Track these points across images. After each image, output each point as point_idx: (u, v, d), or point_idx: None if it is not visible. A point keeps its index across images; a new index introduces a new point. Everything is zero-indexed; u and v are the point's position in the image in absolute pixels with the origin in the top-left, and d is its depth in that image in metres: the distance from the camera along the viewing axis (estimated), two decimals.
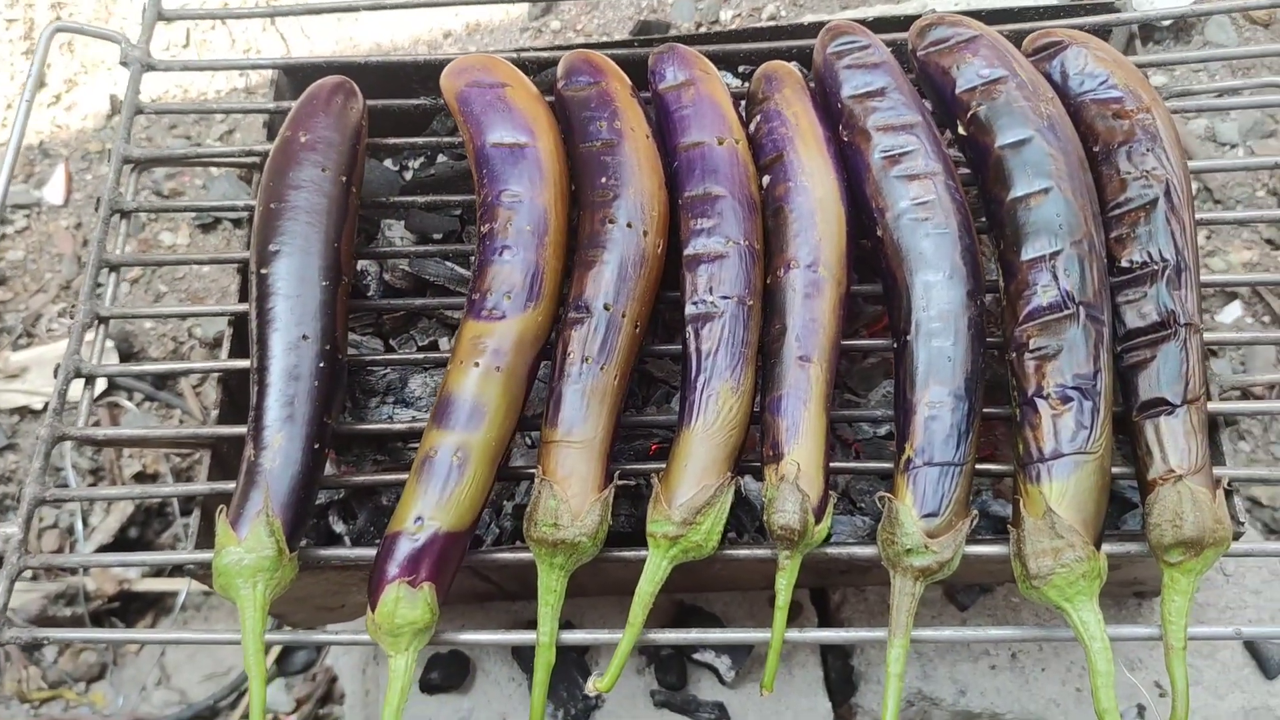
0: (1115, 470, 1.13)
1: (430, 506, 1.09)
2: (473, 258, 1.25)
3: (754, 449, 1.19)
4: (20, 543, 1.24)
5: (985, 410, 1.17)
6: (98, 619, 2.19)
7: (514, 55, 1.49)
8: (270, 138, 1.57)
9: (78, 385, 1.34)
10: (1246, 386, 1.81)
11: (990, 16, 1.40)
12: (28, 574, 1.37)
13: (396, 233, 1.58)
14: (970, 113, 1.25)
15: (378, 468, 1.49)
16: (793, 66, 1.39)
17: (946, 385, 1.12)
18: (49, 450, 1.28)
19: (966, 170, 1.31)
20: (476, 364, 1.14)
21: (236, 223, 2.46)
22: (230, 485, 1.29)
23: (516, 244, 1.20)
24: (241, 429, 1.31)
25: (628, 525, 1.34)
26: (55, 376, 1.32)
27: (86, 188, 2.53)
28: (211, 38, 2.67)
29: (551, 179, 1.25)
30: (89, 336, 1.37)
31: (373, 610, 1.08)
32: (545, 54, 1.52)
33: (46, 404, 2.23)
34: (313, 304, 1.21)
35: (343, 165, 1.31)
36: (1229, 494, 1.19)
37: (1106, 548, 1.09)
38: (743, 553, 1.20)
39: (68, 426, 1.30)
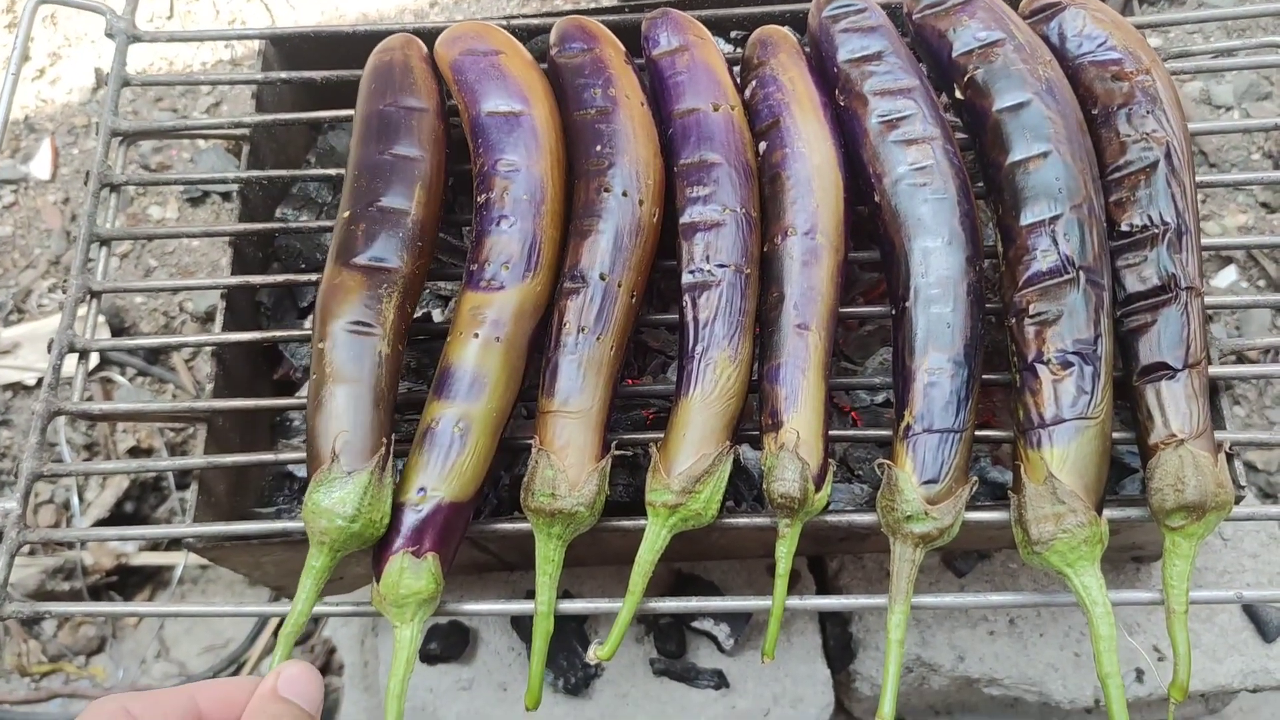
0: (1114, 435, 1.13)
1: (433, 477, 1.09)
2: (467, 228, 1.24)
3: (752, 418, 1.19)
4: (19, 518, 1.23)
5: (984, 376, 1.16)
6: (95, 593, 2.19)
7: (505, 22, 1.48)
8: (259, 109, 1.56)
9: (71, 360, 1.34)
10: (1242, 350, 1.81)
11: None
12: (25, 549, 1.37)
13: None
14: (967, 76, 1.25)
15: None
16: (787, 31, 1.38)
17: (946, 352, 1.12)
18: (45, 425, 1.28)
19: (964, 135, 1.30)
20: (476, 335, 1.13)
21: (225, 197, 2.45)
22: (226, 458, 1.29)
23: (514, 213, 1.19)
24: (236, 402, 1.31)
25: (626, 495, 1.34)
26: (49, 352, 1.31)
27: (73, 162, 2.52)
28: (195, 9, 2.65)
29: (547, 147, 1.25)
30: (81, 311, 1.36)
31: (377, 581, 1.08)
32: (536, 20, 1.51)
33: (39, 379, 2.23)
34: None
35: None
36: (1230, 458, 1.18)
37: (1107, 513, 1.09)
38: (742, 521, 1.19)
39: (63, 401, 1.30)
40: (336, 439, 1.09)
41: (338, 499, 1.07)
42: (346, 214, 1.23)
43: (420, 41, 1.39)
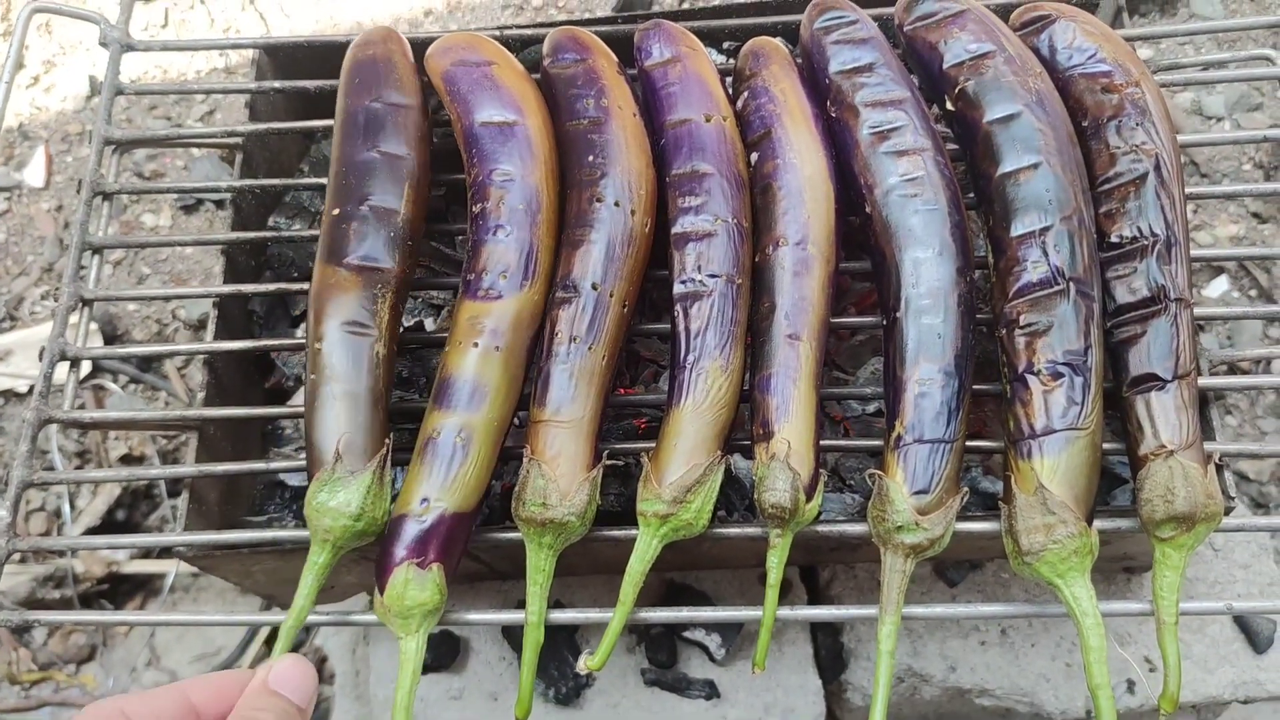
0: (1105, 446, 1.13)
1: (436, 488, 1.09)
2: (461, 238, 1.24)
3: (743, 427, 1.19)
4: (9, 525, 1.23)
5: (975, 387, 1.16)
6: (86, 601, 2.18)
7: (497, 33, 1.48)
8: (253, 118, 1.56)
9: (63, 368, 1.34)
10: (1234, 361, 1.81)
11: None
12: (15, 557, 1.36)
13: None
14: (958, 88, 1.25)
15: None
16: (779, 42, 1.39)
17: (936, 362, 1.12)
18: (36, 433, 1.28)
19: (955, 146, 1.30)
20: (475, 344, 1.13)
21: (219, 204, 2.45)
22: (217, 467, 1.29)
23: (510, 223, 1.19)
24: (228, 411, 1.31)
25: (617, 504, 1.34)
26: (40, 359, 1.31)
27: (67, 170, 2.52)
28: (190, 18, 2.65)
29: (542, 157, 1.25)
30: (73, 319, 1.36)
31: (381, 593, 1.08)
32: (529, 31, 1.51)
33: (31, 387, 2.23)
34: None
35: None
36: (1220, 469, 1.19)
37: (1098, 524, 1.09)
38: (733, 531, 1.20)
39: (54, 409, 1.30)
40: (340, 440, 1.11)
41: (343, 500, 1.09)
42: (336, 212, 1.23)
43: (401, 36, 1.40)
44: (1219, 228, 2.17)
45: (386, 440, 1.13)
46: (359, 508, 1.09)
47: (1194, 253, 1.24)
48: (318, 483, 1.10)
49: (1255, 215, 2.19)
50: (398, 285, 1.20)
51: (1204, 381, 1.21)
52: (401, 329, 1.46)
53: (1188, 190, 1.26)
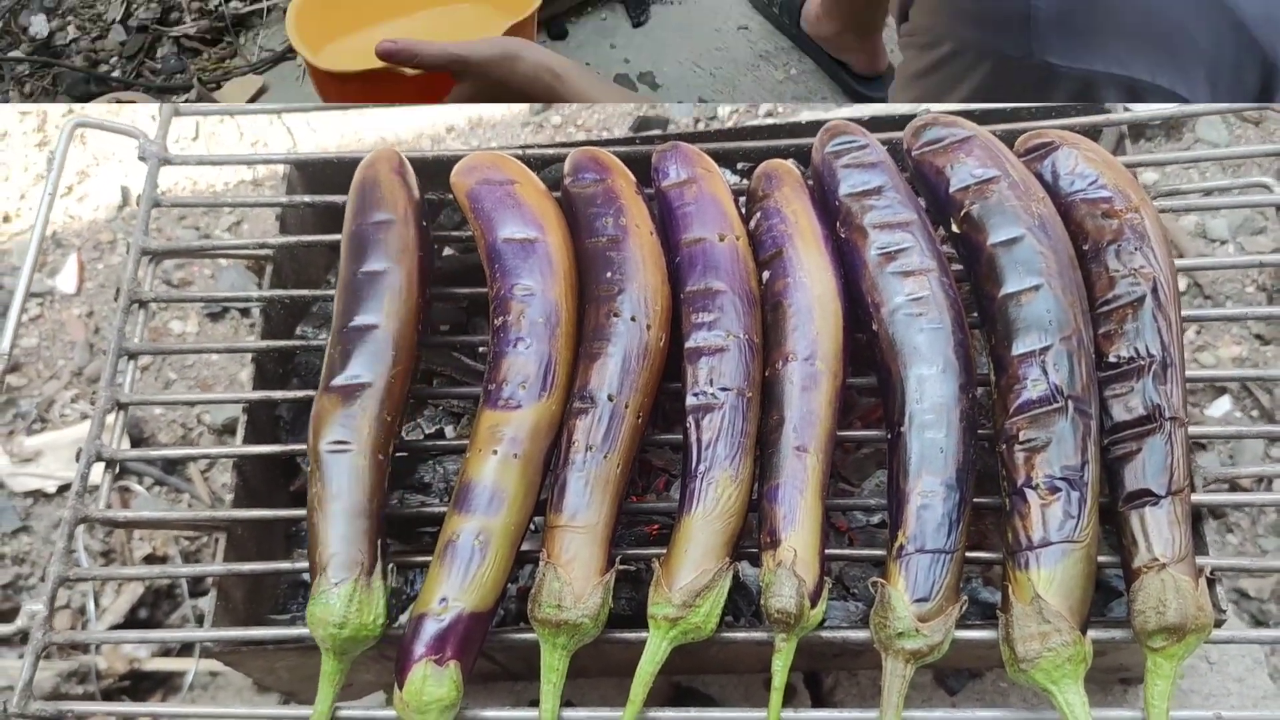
0: (1101, 559, 1.16)
1: (454, 588, 1.13)
2: (482, 349, 1.28)
3: (751, 535, 1.22)
4: (45, 619, 1.26)
5: (975, 500, 1.19)
6: (108, 697, 2.19)
7: (519, 151, 1.52)
8: (282, 230, 1.60)
9: (98, 469, 1.38)
10: (1234, 479, 1.83)
11: (983, 116, 1.43)
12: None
13: None
14: (963, 211, 1.29)
15: None
16: (791, 164, 1.43)
17: (939, 475, 1.15)
18: (72, 530, 1.31)
19: (959, 267, 1.34)
20: (495, 451, 1.17)
21: (244, 312, 2.48)
22: (244, 566, 1.32)
23: (530, 336, 1.24)
24: (256, 512, 1.35)
25: (628, 608, 1.36)
26: (77, 460, 1.35)
27: (98, 277, 2.56)
28: (220, 130, 2.70)
29: (561, 272, 1.29)
30: (108, 421, 1.40)
31: (400, 689, 1.11)
32: (549, 150, 1.55)
33: (59, 487, 2.26)
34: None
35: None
36: (1211, 583, 1.21)
37: (1092, 634, 1.12)
38: (740, 635, 1.23)
39: (89, 508, 1.33)
40: (322, 554, 1.16)
41: (326, 609, 1.14)
42: (331, 338, 1.29)
43: (395, 153, 1.44)
44: (1222, 348, 2.20)
45: (368, 548, 1.17)
46: (341, 617, 1.13)
47: (1197, 373, 1.27)
48: (311, 596, 1.15)
49: (1258, 337, 2.21)
50: (383, 396, 1.24)
51: (1197, 498, 1.24)
52: (422, 437, 1.51)
53: (1192, 312, 1.29)
